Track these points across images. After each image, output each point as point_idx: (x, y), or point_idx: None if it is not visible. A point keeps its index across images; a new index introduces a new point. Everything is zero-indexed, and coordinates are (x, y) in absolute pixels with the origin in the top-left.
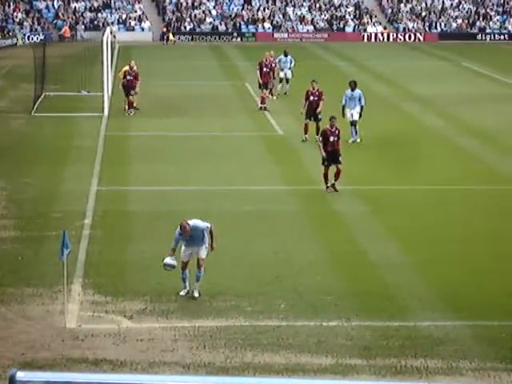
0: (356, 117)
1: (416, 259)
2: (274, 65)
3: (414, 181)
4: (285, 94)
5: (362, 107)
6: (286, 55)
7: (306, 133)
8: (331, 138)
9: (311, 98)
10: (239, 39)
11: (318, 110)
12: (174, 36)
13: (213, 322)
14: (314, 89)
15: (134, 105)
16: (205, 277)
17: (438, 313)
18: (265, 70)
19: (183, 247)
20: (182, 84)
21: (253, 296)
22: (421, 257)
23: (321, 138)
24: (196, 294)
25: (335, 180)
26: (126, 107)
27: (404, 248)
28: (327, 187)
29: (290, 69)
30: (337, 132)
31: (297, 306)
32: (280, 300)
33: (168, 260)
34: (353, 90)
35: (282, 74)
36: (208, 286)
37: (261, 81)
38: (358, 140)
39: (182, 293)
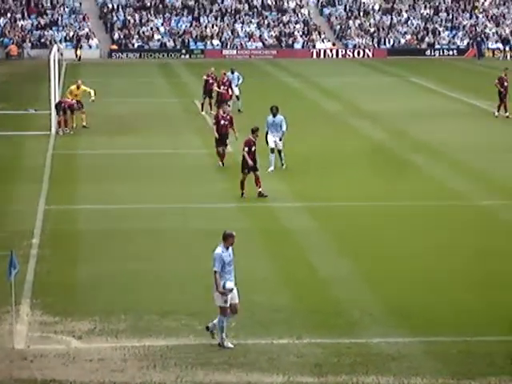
0: (280, 144)
1: (366, 275)
2: (229, 82)
3: (363, 197)
4: (238, 111)
5: (283, 133)
6: (232, 72)
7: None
8: (253, 148)
9: (222, 122)
10: (188, 56)
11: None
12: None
13: (163, 341)
14: (224, 113)
15: (84, 123)
16: (154, 295)
17: (389, 329)
18: (222, 87)
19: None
20: (131, 101)
21: (204, 314)
22: (371, 273)
23: (246, 149)
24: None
25: (259, 187)
26: (63, 125)
27: (354, 264)
28: (243, 194)
29: (237, 86)
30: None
31: (248, 324)
32: (231, 318)
33: (230, 285)
34: (274, 116)
35: (229, 92)
36: (158, 305)
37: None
38: (284, 167)
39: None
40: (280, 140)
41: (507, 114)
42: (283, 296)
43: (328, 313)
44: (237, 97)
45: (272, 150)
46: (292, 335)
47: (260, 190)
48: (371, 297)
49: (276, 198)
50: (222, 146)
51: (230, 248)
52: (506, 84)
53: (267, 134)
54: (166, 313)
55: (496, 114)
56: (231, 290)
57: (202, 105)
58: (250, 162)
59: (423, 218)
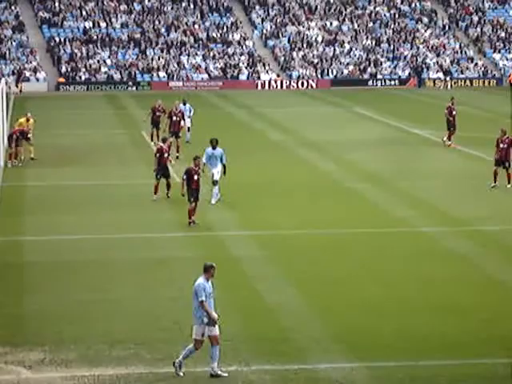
0: (216, 176)
1: (312, 302)
2: (182, 113)
3: (309, 225)
4: (187, 142)
5: (224, 166)
6: (184, 103)
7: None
8: (195, 177)
9: (165, 155)
10: (134, 88)
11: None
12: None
13: (112, 371)
14: (164, 145)
15: (31, 155)
16: (103, 325)
17: (336, 355)
18: (174, 118)
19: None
20: (79, 133)
21: (152, 343)
22: (317, 300)
23: (185, 177)
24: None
25: (192, 215)
26: (13, 158)
27: (300, 291)
28: (190, 223)
29: (189, 117)
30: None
31: (197, 352)
32: (179, 347)
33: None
34: (214, 149)
35: (181, 123)
36: (107, 335)
37: (171, 129)
38: (221, 199)
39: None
40: (218, 173)
41: (450, 142)
42: (231, 324)
43: (275, 340)
44: (188, 128)
45: (213, 183)
46: (240, 362)
47: (192, 219)
48: (318, 323)
49: (223, 226)
50: (163, 178)
51: (210, 280)
52: (454, 113)
53: (204, 165)
54: (115, 342)
55: (448, 143)
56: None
57: (152, 135)
58: (183, 191)
59: (367, 245)
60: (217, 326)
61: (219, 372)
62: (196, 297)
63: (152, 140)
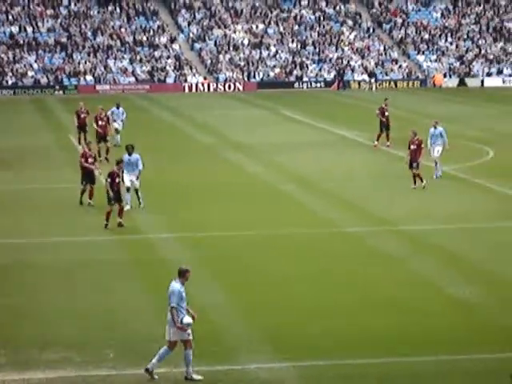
0: (136, 183)
1: (242, 303)
2: (107, 117)
3: (237, 226)
4: (114, 145)
5: (139, 172)
6: (118, 107)
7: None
8: (117, 180)
9: (90, 159)
10: (61, 92)
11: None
12: None
13: (42, 374)
14: (88, 151)
15: None
16: (33, 329)
17: (265, 355)
18: (100, 122)
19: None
20: (4, 137)
21: (81, 346)
22: (246, 300)
23: (109, 179)
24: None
25: (120, 217)
26: None
27: (229, 292)
28: (107, 225)
29: (122, 121)
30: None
31: (126, 355)
32: (109, 349)
33: (188, 319)
34: (130, 155)
35: (115, 125)
36: (36, 338)
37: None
38: (142, 206)
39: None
40: (137, 179)
41: (388, 143)
42: (159, 325)
43: (205, 341)
44: (116, 130)
45: (128, 189)
46: (169, 364)
47: (120, 220)
48: (247, 324)
49: (152, 229)
50: (89, 184)
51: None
52: (386, 114)
53: (122, 172)
54: (45, 346)
55: (375, 143)
56: (189, 325)
57: (79, 139)
58: (111, 193)
59: (296, 246)
60: (189, 330)
61: (194, 376)
62: (169, 301)
63: (79, 143)
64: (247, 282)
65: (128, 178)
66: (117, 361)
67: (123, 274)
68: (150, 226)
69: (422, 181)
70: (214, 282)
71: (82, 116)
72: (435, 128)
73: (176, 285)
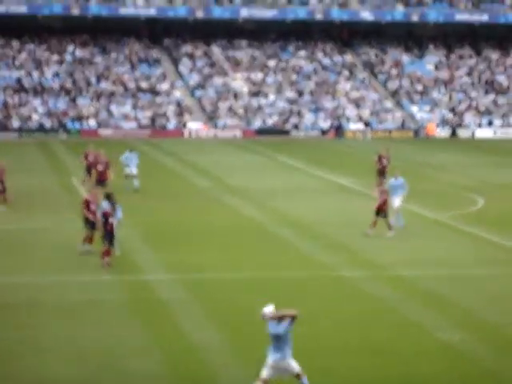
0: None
1: (238, 343)
2: (107, 162)
3: (233, 268)
4: (135, 190)
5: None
6: (131, 151)
7: None
8: (110, 220)
9: (92, 206)
10: (65, 135)
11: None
12: None
13: None
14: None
15: None
16: (30, 367)
17: None
18: (99, 167)
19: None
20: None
21: None
22: (241, 340)
23: (103, 219)
24: None
25: (108, 257)
26: None
27: (225, 332)
28: (104, 264)
29: (136, 165)
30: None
31: None
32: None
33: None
34: (109, 202)
35: (127, 171)
36: (34, 376)
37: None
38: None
39: None
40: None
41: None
42: (159, 364)
43: (202, 380)
44: (127, 176)
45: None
46: None
47: (106, 260)
48: (242, 362)
49: (148, 269)
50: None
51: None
52: (385, 163)
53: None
54: (46, 382)
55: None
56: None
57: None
58: (102, 232)
59: (288, 288)
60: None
61: None
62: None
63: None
64: (242, 323)
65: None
66: None
67: (122, 315)
68: (146, 266)
69: (389, 229)
70: (209, 321)
71: (90, 159)
72: (396, 179)
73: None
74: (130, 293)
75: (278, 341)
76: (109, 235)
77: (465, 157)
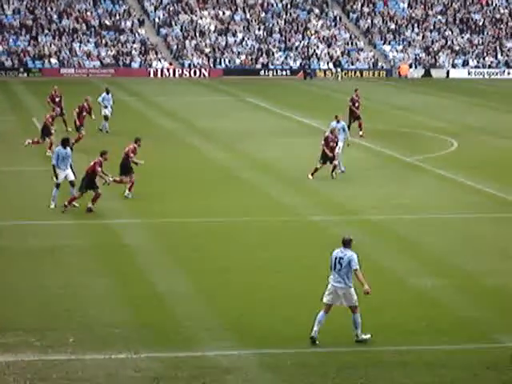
0: (72, 177)
1: (202, 290)
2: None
3: (199, 213)
4: (107, 132)
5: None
6: (108, 92)
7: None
8: (99, 169)
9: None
10: (26, 75)
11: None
12: None
13: (1, 358)
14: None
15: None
16: None
17: (225, 342)
18: (84, 113)
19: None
20: None
21: (41, 331)
22: (207, 287)
23: (99, 169)
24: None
25: (93, 204)
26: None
27: (191, 279)
28: (66, 208)
29: (111, 107)
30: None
31: (86, 340)
32: (69, 334)
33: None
34: (65, 148)
35: (105, 112)
36: None
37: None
38: (77, 205)
39: None
40: (73, 174)
41: (361, 132)
42: (121, 311)
43: (165, 327)
44: (106, 117)
45: (58, 186)
46: (130, 350)
47: (90, 206)
48: (207, 311)
49: (113, 214)
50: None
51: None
52: (357, 104)
53: (54, 167)
54: (5, 329)
55: (360, 133)
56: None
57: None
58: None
59: (258, 234)
60: (356, 297)
61: (364, 336)
62: (348, 266)
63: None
64: (207, 269)
65: (63, 174)
66: (77, 345)
67: (86, 260)
68: (111, 211)
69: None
70: (175, 268)
71: (57, 100)
72: (338, 122)
73: (353, 252)
74: (94, 238)
75: (340, 268)
76: (91, 183)
77: (438, 98)
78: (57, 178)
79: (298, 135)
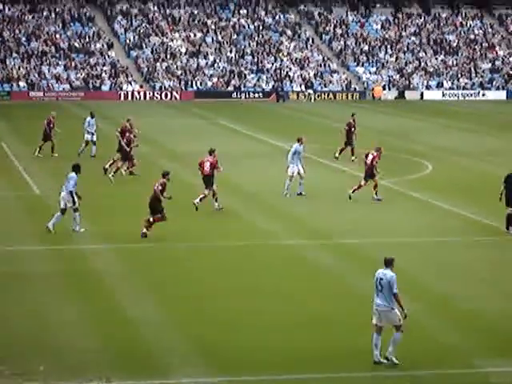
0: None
1: (175, 315)
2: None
3: (172, 237)
4: (93, 156)
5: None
6: (92, 117)
7: None
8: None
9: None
10: None
11: None
12: None
13: None
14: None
15: None
16: None
17: (199, 369)
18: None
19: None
20: None
21: (12, 359)
22: (178, 313)
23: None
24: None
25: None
26: None
27: (163, 304)
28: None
29: (95, 131)
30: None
31: (57, 368)
32: (39, 362)
33: None
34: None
35: (88, 137)
36: None
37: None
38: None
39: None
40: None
41: (353, 157)
42: (92, 338)
43: (137, 354)
44: (88, 142)
45: (64, 211)
46: (101, 378)
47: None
48: (180, 337)
49: (82, 239)
50: None
51: None
52: (353, 129)
53: (72, 193)
54: None
55: (337, 155)
56: None
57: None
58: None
59: (232, 258)
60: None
61: (394, 359)
62: (389, 287)
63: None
64: (179, 295)
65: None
66: (48, 373)
67: (56, 286)
68: (81, 235)
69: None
70: (147, 294)
71: (51, 126)
72: (301, 144)
73: (393, 273)
74: (64, 264)
75: (381, 288)
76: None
77: (412, 120)
78: (74, 204)
79: (272, 158)
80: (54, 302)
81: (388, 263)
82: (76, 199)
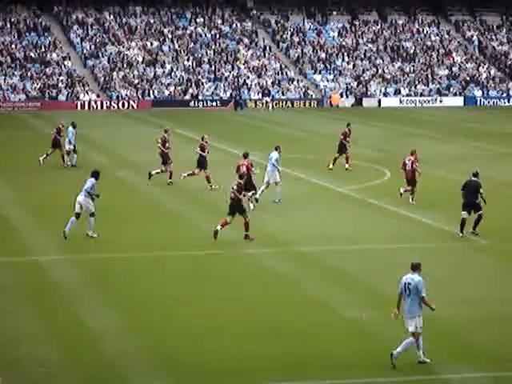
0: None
1: (134, 327)
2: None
3: (130, 248)
4: (72, 166)
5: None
6: (74, 127)
7: None
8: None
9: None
10: None
11: None
12: None
13: None
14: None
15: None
16: None
17: (158, 381)
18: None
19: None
20: None
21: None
22: (138, 324)
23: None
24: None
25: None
26: None
27: (122, 316)
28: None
29: (74, 140)
30: None
31: (15, 381)
32: None
33: None
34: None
35: (69, 146)
36: None
37: None
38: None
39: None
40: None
41: (347, 165)
42: (50, 350)
43: (97, 366)
44: (70, 151)
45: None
46: None
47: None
48: (139, 348)
49: (40, 250)
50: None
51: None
52: (348, 139)
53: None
54: None
55: (331, 166)
56: None
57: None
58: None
59: (191, 267)
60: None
61: (425, 359)
62: (417, 292)
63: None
64: (139, 305)
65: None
66: None
67: (13, 299)
68: (38, 247)
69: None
70: (105, 306)
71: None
72: (279, 152)
73: (419, 277)
74: (21, 276)
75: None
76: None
77: (370, 127)
78: (92, 200)
79: (230, 166)
80: (11, 315)
81: (415, 268)
82: (92, 200)
